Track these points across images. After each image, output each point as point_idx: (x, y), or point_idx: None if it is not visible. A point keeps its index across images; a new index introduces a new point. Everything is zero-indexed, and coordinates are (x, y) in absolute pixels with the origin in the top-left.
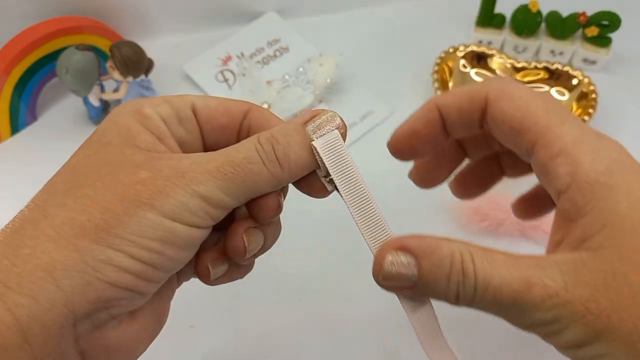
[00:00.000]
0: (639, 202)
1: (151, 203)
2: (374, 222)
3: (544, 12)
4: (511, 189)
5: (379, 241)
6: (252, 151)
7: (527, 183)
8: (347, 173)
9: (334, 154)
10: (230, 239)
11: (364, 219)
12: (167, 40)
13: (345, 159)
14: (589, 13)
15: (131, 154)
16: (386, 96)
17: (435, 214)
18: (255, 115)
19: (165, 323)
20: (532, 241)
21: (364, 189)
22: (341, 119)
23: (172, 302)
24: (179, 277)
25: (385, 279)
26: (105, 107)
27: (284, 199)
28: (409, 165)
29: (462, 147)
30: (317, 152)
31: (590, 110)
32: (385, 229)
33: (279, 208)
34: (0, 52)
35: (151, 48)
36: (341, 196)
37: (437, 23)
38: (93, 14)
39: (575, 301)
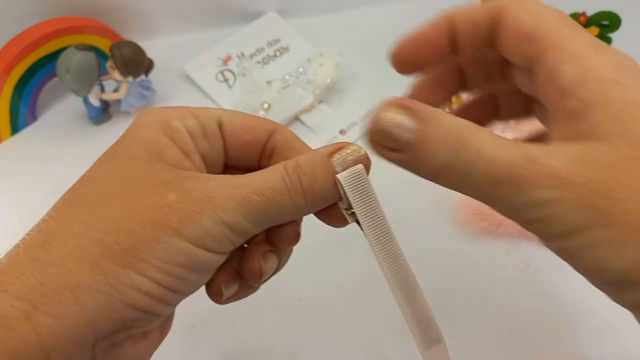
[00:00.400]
0: None
1: (179, 229)
2: (393, 257)
3: None
4: None
5: (398, 275)
6: (279, 181)
7: None
8: (369, 208)
9: (357, 188)
10: (247, 262)
11: (384, 254)
12: (167, 40)
13: (368, 193)
14: (589, 13)
15: (159, 170)
16: (386, 96)
17: (435, 214)
18: (281, 137)
19: (168, 332)
20: (532, 241)
21: (385, 225)
22: (366, 152)
23: None
24: None
25: (380, 129)
26: (106, 107)
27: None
28: None
29: (462, 74)
30: (341, 185)
31: None
32: (404, 265)
33: (298, 236)
34: (1, 52)
35: (151, 48)
36: (362, 230)
37: None
38: (93, 14)
39: (581, 183)
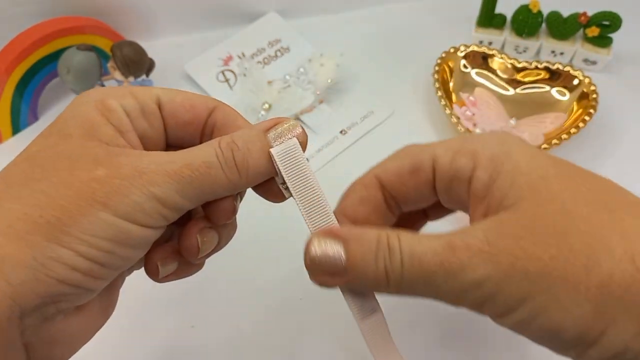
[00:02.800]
0: (534, 158)
1: (105, 202)
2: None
3: (545, 12)
4: None
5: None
6: (211, 156)
7: None
8: (303, 182)
9: (291, 162)
10: (184, 238)
11: (317, 229)
12: (168, 40)
13: (302, 168)
14: (590, 13)
15: (91, 147)
16: (387, 96)
17: None
18: (221, 113)
19: (112, 314)
20: None
21: (320, 200)
22: (302, 128)
23: (173, 303)
24: (129, 268)
25: (312, 262)
26: None
27: (240, 202)
28: None
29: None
30: (275, 160)
31: (591, 111)
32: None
33: (234, 211)
34: (2, 52)
35: (152, 48)
36: (297, 204)
37: (438, 23)
38: (94, 14)
39: (501, 253)
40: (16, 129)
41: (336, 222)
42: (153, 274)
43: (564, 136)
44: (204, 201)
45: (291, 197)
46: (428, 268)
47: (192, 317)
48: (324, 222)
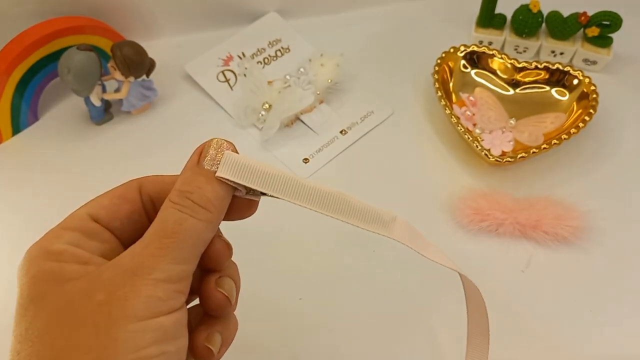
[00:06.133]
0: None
1: (125, 314)
2: (308, 192)
3: (545, 12)
4: (511, 189)
5: (320, 203)
6: (175, 214)
7: (527, 185)
8: (265, 176)
9: (242, 170)
10: (208, 299)
11: (300, 198)
12: (168, 41)
13: (254, 166)
14: (590, 13)
15: (73, 287)
16: (387, 96)
17: (435, 214)
18: (148, 184)
19: None
20: (532, 241)
21: (288, 176)
22: (224, 140)
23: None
24: None
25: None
26: (107, 107)
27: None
28: (409, 166)
29: None
30: (229, 180)
31: (591, 111)
32: (320, 190)
33: (229, 246)
34: (2, 52)
35: (152, 48)
36: (275, 197)
37: (438, 23)
38: (94, 14)
39: None
40: (16, 129)
41: (307, 181)
42: (209, 357)
43: (564, 136)
44: (200, 254)
45: (265, 196)
46: None
47: None
48: (298, 186)
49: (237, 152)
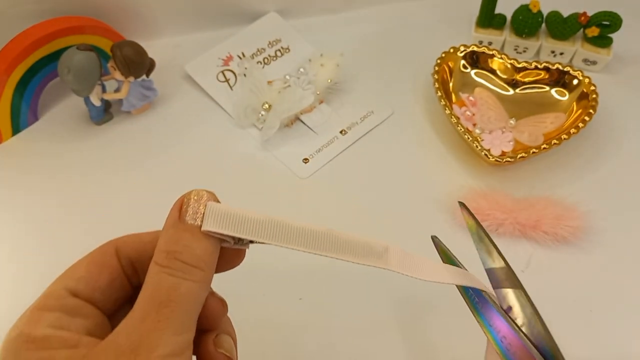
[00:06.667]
0: None
1: None
2: (296, 235)
3: (545, 12)
4: (511, 189)
5: (307, 243)
6: (167, 279)
7: (527, 185)
8: (252, 224)
9: (228, 222)
10: (208, 356)
11: (291, 242)
12: (168, 41)
13: (239, 216)
14: (590, 13)
15: None
16: (386, 96)
17: (435, 214)
18: (126, 247)
19: None
20: (532, 241)
21: (274, 220)
22: (204, 190)
23: None
24: None
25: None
26: (107, 107)
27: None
28: (409, 166)
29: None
30: (214, 232)
31: (591, 111)
32: (306, 230)
33: (224, 302)
34: (2, 52)
35: (152, 48)
36: (264, 243)
37: (438, 23)
38: (94, 14)
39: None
40: (16, 129)
41: (293, 221)
42: None
43: (564, 136)
44: (197, 316)
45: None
46: None
47: None
48: (287, 229)
49: (218, 201)
